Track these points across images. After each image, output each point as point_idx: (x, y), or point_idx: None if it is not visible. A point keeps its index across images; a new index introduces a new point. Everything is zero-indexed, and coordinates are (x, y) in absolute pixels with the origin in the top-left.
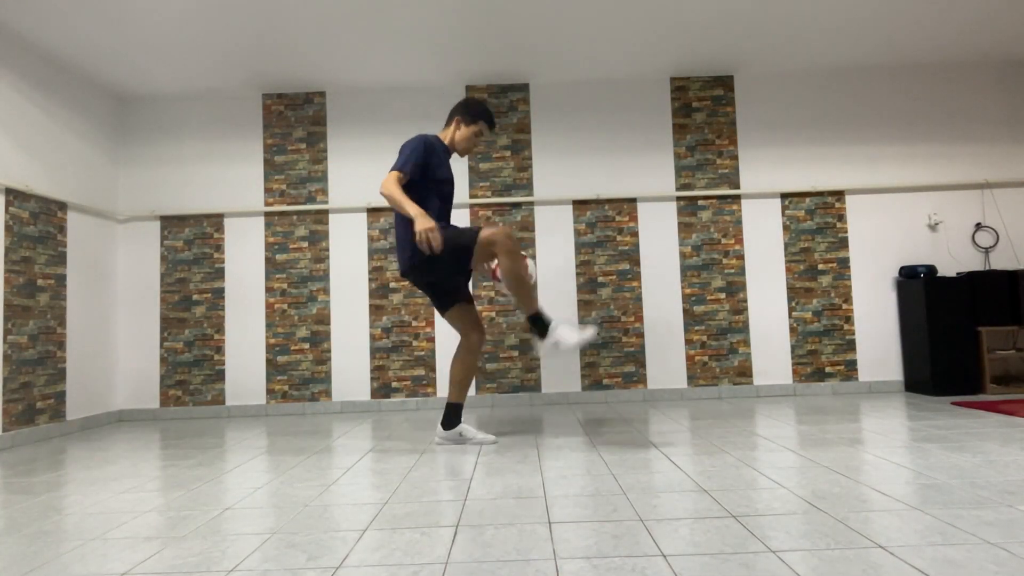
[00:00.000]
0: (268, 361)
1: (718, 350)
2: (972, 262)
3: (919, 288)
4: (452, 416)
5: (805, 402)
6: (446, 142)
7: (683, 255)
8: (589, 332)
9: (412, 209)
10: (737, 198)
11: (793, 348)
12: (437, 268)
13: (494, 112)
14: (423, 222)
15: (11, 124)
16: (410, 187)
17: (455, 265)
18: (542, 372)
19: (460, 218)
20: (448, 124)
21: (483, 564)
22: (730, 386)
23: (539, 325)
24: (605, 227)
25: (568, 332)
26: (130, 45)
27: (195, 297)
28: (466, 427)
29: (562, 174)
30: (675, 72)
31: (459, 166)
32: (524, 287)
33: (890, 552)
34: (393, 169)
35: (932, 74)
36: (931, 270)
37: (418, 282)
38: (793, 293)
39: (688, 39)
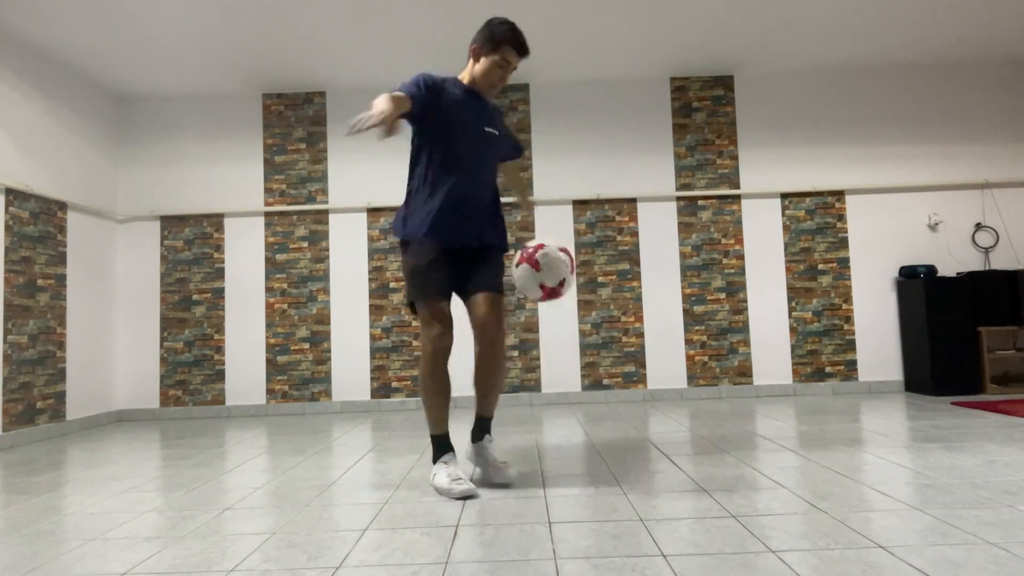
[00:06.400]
0: (268, 361)
1: (718, 350)
2: (972, 262)
3: (919, 288)
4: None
5: (805, 402)
6: (466, 82)
7: (683, 255)
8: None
9: (390, 98)
10: (737, 198)
11: (793, 348)
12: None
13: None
14: (381, 103)
15: (11, 124)
16: (421, 133)
17: (408, 280)
18: (542, 372)
19: None
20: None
21: (483, 564)
22: (730, 386)
23: (438, 448)
24: (605, 227)
25: (443, 477)
26: (130, 45)
27: (195, 297)
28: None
29: (562, 174)
30: (675, 72)
31: None
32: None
33: (890, 552)
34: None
35: (932, 74)
36: (931, 270)
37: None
38: (793, 293)
39: (688, 39)
